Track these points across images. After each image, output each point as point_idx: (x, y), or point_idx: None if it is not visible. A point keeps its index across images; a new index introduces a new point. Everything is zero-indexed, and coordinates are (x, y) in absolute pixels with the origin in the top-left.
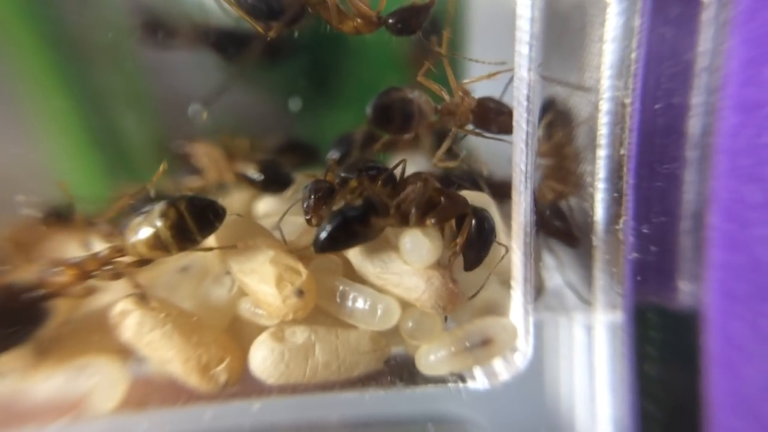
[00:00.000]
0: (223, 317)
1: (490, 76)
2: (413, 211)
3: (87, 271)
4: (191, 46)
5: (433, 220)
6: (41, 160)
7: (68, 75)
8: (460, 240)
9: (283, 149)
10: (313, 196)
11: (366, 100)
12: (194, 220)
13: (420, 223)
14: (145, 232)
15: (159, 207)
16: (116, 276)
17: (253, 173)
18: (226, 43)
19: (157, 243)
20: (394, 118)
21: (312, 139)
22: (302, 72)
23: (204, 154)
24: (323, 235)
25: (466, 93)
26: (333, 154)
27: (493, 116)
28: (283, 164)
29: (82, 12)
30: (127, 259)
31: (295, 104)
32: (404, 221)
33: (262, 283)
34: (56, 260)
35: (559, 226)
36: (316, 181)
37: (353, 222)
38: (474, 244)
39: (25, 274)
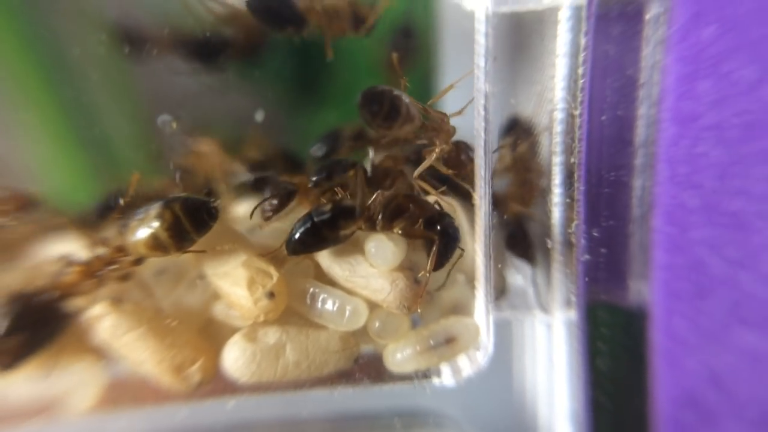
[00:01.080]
0: (197, 319)
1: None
2: (379, 218)
3: (92, 271)
4: (166, 54)
5: (399, 231)
6: (22, 163)
7: (51, 76)
8: (429, 266)
9: (270, 158)
10: (272, 200)
11: (346, 104)
12: (189, 220)
13: (387, 229)
14: (143, 234)
15: (155, 209)
16: (123, 277)
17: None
18: (197, 50)
19: (156, 244)
20: (383, 106)
21: (295, 143)
22: (284, 75)
23: (207, 151)
24: (293, 238)
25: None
26: (318, 150)
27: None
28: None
29: (67, 16)
30: (129, 258)
31: (259, 115)
32: (373, 226)
33: (235, 285)
34: (63, 261)
35: (518, 242)
36: (276, 189)
37: (321, 226)
38: (439, 250)
39: (32, 278)
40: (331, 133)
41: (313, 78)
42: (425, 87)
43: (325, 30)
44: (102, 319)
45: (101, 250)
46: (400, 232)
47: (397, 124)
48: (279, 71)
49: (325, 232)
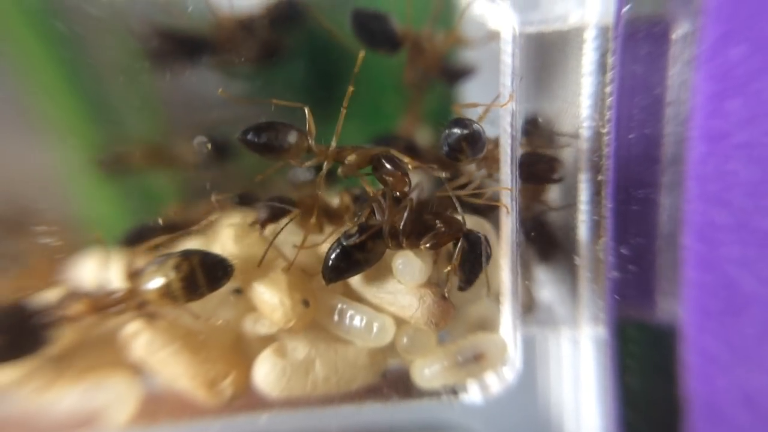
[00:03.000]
0: (228, 334)
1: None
2: (405, 235)
3: (100, 306)
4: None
5: (427, 245)
6: (60, 187)
7: (92, 105)
8: (454, 263)
9: None
10: (264, 216)
11: (369, 120)
12: (205, 275)
13: (414, 246)
14: (157, 282)
15: (173, 259)
16: (150, 316)
17: None
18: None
19: (167, 293)
20: (477, 146)
21: None
22: (308, 91)
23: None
24: (327, 266)
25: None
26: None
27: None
28: None
29: (108, 45)
30: (135, 301)
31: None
32: (399, 244)
33: (271, 289)
34: (74, 290)
35: (536, 240)
36: (270, 201)
37: (352, 250)
38: (466, 265)
39: (41, 297)
40: (385, 137)
41: (337, 94)
42: (447, 104)
43: (411, 59)
44: (137, 335)
45: (114, 290)
46: (428, 245)
47: (480, 156)
48: (303, 87)
49: (357, 255)
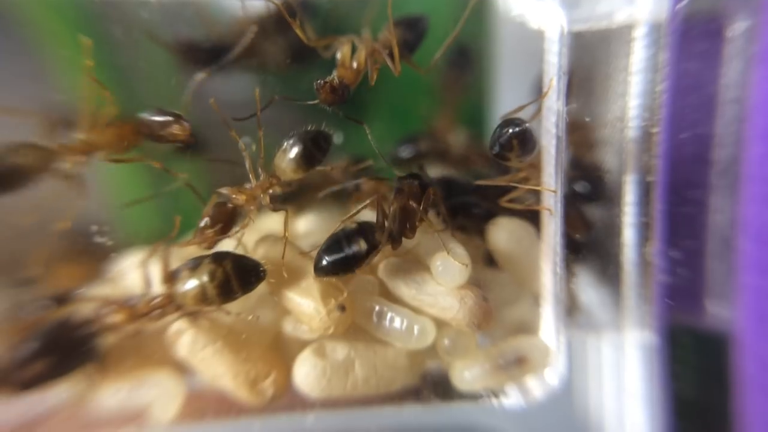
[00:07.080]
0: (269, 334)
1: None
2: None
3: (139, 314)
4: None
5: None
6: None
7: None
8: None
9: None
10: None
11: (397, 117)
12: (239, 280)
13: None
14: (192, 285)
15: (207, 265)
16: (194, 315)
17: None
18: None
19: (203, 297)
20: (530, 147)
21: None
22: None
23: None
24: (322, 259)
25: None
26: (403, 151)
27: None
28: None
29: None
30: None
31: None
32: (395, 241)
33: (307, 297)
34: (112, 300)
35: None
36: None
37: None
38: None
39: (81, 308)
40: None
41: (368, 97)
42: (481, 105)
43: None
44: (181, 335)
45: (151, 296)
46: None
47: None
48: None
49: (351, 247)
